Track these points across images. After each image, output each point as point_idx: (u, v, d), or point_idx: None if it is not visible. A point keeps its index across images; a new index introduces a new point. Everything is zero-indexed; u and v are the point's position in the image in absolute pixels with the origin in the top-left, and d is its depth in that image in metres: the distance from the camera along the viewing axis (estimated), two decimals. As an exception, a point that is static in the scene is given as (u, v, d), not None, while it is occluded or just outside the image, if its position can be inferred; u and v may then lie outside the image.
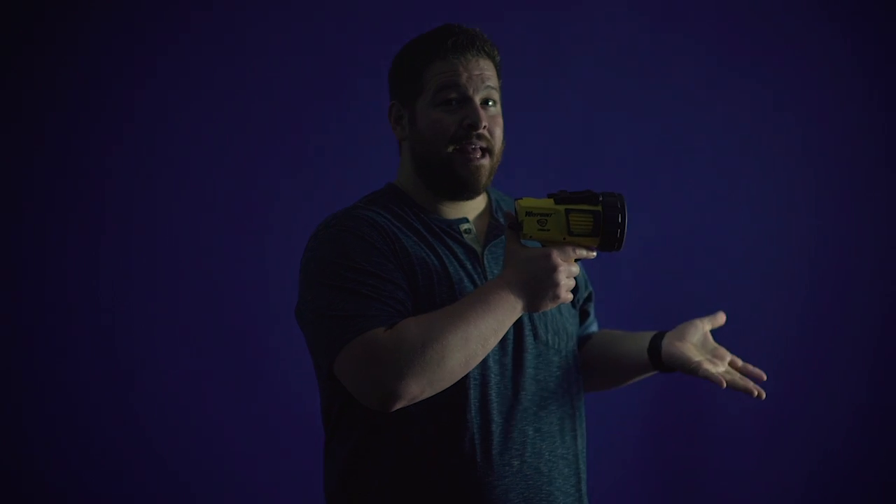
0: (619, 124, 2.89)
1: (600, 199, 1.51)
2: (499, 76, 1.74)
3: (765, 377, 1.70)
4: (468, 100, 1.67)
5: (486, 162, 1.67)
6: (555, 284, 1.51)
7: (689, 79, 2.90)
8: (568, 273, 1.52)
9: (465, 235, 1.69)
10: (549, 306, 1.54)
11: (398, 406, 1.52)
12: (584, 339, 1.87)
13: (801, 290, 2.91)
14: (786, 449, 2.88)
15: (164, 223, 2.74)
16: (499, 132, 1.70)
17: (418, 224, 1.69)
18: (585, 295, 1.87)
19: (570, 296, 1.54)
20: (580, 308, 1.85)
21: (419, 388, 1.51)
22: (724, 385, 1.63)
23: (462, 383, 1.59)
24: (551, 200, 1.53)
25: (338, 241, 1.62)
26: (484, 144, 1.67)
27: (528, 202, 1.53)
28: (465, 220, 1.72)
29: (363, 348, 1.52)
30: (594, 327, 1.90)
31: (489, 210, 1.77)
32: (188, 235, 2.74)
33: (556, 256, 1.51)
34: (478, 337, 1.52)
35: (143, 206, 2.74)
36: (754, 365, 2.77)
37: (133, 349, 2.71)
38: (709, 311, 2.80)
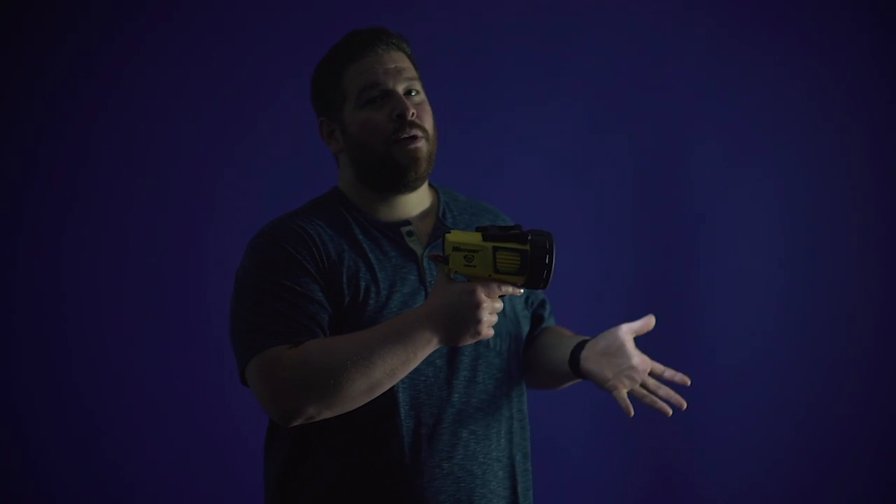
0: (619, 125, 2.89)
1: (529, 238, 1.49)
2: (416, 67, 1.72)
3: (688, 382, 1.70)
4: (390, 93, 1.66)
5: (423, 145, 1.66)
6: (477, 321, 1.49)
7: (689, 79, 2.89)
8: (491, 309, 1.51)
9: (408, 238, 1.68)
10: (469, 342, 1.52)
11: (297, 423, 1.55)
12: (532, 340, 1.85)
13: (801, 291, 2.90)
14: (782, 451, 2.88)
15: (162, 223, 2.74)
16: (428, 119, 1.68)
17: (357, 229, 1.68)
18: (538, 301, 1.85)
19: (492, 332, 1.52)
20: (533, 313, 1.84)
21: (315, 410, 1.53)
22: (631, 415, 1.65)
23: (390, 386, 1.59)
24: (479, 236, 1.51)
25: (261, 252, 1.64)
26: (418, 132, 1.66)
27: (456, 237, 1.50)
28: (407, 222, 1.70)
29: (263, 365, 1.55)
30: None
31: (435, 210, 1.75)
32: (187, 235, 2.75)
33: (481, 293, 1.49)
34: (383, 368, 1.51)
35: (144, 206, 2.75)
36: (749, 367, 2.83)
37: (133, 349, 2.72)
38: (706, 311, 2.87)
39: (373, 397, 1.54)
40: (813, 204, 2.91)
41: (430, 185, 1.79)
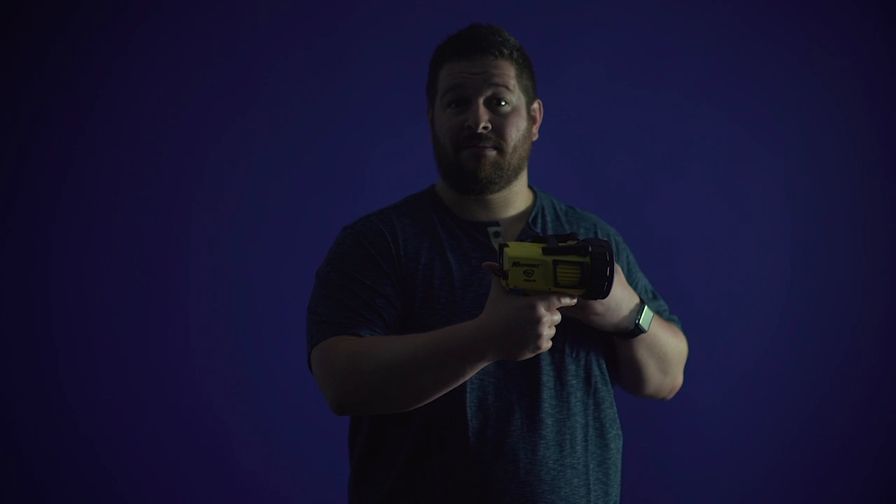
0: (617, 125, 2.89)
1: (589, 250, 1.46)
2: (521, 75, 1.73)
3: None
4: (468, 101, 1.69)
5: (492, 154, 1.68)
6: (537, 336, 1.48)
7: (687, 80, 2.89)
8: (551, 323, 1.49)
9: (493, 238, 1.70)
10: (528, 357, 1.50)
11: (348, 413, 1.59)
12: None
13: (803, 291, 2.90)
14: (783, 452, 2.88)
15: (177, 224, 2.76)
16: (510, 130, 1.69)
17: (441, 228, 1.72)
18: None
19: (550, 344, 1.50)
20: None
21: (361, 405, 1.57)
22: None
23: (457, 386, 1.59)
24: (539, 249, 1.47)
25: (340, 246, 1.71)
26: (490, 144, 1.68)
27: (515, 251, 1.47)
28: (496, 223, 1.73)
29: (321, 354, 1.60)
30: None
31: (527, 214, 1.77)
32: (201, 236, 2.76)
33: (541, 308, 1.47)
34: (429, 377, 1.52)
35: (152, 206, 2.75)
36: (750, 369, 2.84)
37: (141, 349, 2.73)
38: (702, 312, 2.86)
39: (421, 403, 1.55)
40: (815, 204, 2.91)
41: (532, 190, 1.81)
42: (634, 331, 1.67)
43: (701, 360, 2.82)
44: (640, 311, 1.66)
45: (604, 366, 1.74)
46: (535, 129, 1.78)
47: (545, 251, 1.47)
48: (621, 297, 1.62)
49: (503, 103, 1.70)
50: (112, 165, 2.74)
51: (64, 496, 2.68)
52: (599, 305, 1.59)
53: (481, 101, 1.69)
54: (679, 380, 1.85)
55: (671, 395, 1.85)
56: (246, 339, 2.76)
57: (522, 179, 1.77)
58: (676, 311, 2.72)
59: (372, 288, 1.64)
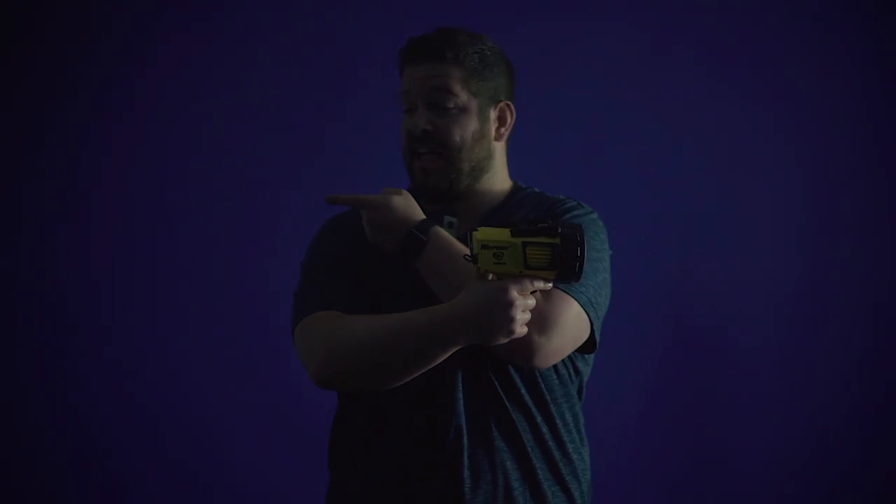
0: (626, 124, 2.89)
1: (559, 231, 1.47)
2: (473, 78, 1.73)
3: None
4: (413, 107, 1.73)
5: (431, 162, 1.71)
6: (510, 320, 1.48)
7: (689, 78, 2.89)
8: (524, 307, 1.49)
9: (448, 229, 1.70)
10: (503, 340, 1.51)
11: (329, 388, 1.63)
12: None
13: (814, 291, 2.90)
14: (780, 448, 2.88)
15: (170, 222, 2.76)
16: (453, 131, 1.71)
17: None
18: None
19: (525, 329, 1.51)
20: None
21: (338, 380, 1.60)
22: None
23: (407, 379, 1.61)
24: (507, 232, 1.48)
25: (321, 234, 1.79)
26: (435, 147, 1.70)
27: (484, 234, 1.47)
28: (452, 212, 1.73)
29: (305, 328, 1.64)
30: None
31: (490, 210, 1.76)
32: (194, 234, 2.77)
33: (513, 291, 1.47)
34: (400, 357, 1.54)
35: (148, 204, 2.76)
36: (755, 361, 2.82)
37: (137, 349, 2.73)
38: (704, 311, 2.86)
39: (395, 383, 1.58)
40: (826, 199, 2.91)
41: (515, 187, 1.82)
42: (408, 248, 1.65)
43: (705, 359, 2.83)
44: (422, 228, 1.64)
45: (566, 368, 1.72)
46: (502, 131, 1.78)
47: (514, 233, 1.48)
48: (398, 204, 1.64)
49: (447, 106, 1.71)
50: (108, 162, 2.75)
51: (61, 495, 2.68)
52: (370, 214, 1.64)
53: (424, 105, 1.71)
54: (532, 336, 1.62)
55: (530, 358, 1.60)
56: (241, 335, 2.77)
57: (491, 181, 1.78)
58: (686, 307, 2.70)
59: (357, 273, 1.68)
